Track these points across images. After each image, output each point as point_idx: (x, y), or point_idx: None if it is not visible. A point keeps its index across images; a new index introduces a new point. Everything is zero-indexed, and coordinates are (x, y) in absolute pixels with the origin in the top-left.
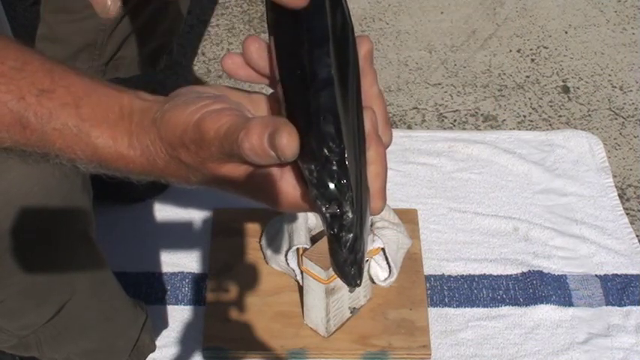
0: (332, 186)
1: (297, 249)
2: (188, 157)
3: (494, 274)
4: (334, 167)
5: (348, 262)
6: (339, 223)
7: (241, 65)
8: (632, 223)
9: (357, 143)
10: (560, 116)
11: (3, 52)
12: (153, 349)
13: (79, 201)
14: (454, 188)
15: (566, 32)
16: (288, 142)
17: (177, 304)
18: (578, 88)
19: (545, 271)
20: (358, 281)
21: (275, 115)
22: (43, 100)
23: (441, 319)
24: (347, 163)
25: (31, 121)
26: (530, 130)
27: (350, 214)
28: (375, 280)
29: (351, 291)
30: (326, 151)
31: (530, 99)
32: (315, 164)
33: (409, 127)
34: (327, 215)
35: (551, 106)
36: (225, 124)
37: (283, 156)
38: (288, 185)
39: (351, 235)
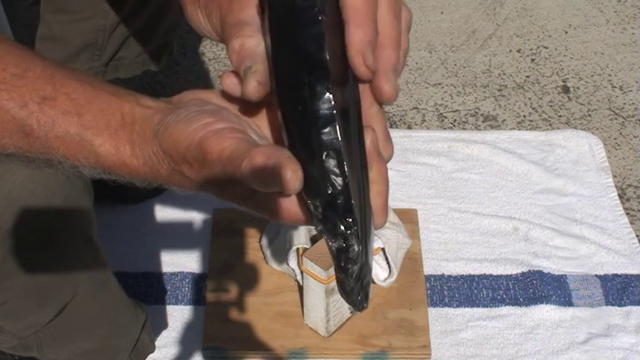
0: (338, 224)
1: (297, 249)
2: (191, 172)
3: (494, 274)
4: (339, 203)
5: (355, 291)
6: (345, 256)
7: (239, 82)
8: (632, 223)
9: (360, 165)
10: (560, 116)
11: (5, 58)
12: (152, 349)
13: (81, 202)
14: (454, 188)
15: (566, 32)
16: (292, 178)
17: (177, 304)
18: (578, 88)
19: (545, 271)
20: (365, 305)
21: (278, 128)
22: (45, 107)
23: (441, 319)
24: (352, 200)
25: (34, 128)
26: (530, 130)
27: (356, 247)
28: (375, 280)
29: None
30: (330, 188)
31: (530, 99)
32: (320, 200)
33: (409, 127)
34: (334, 249)
35: (551, 106)
36: (228, 147)
37: (286, 190)
38: (291, 203)
39: (357, 265)
